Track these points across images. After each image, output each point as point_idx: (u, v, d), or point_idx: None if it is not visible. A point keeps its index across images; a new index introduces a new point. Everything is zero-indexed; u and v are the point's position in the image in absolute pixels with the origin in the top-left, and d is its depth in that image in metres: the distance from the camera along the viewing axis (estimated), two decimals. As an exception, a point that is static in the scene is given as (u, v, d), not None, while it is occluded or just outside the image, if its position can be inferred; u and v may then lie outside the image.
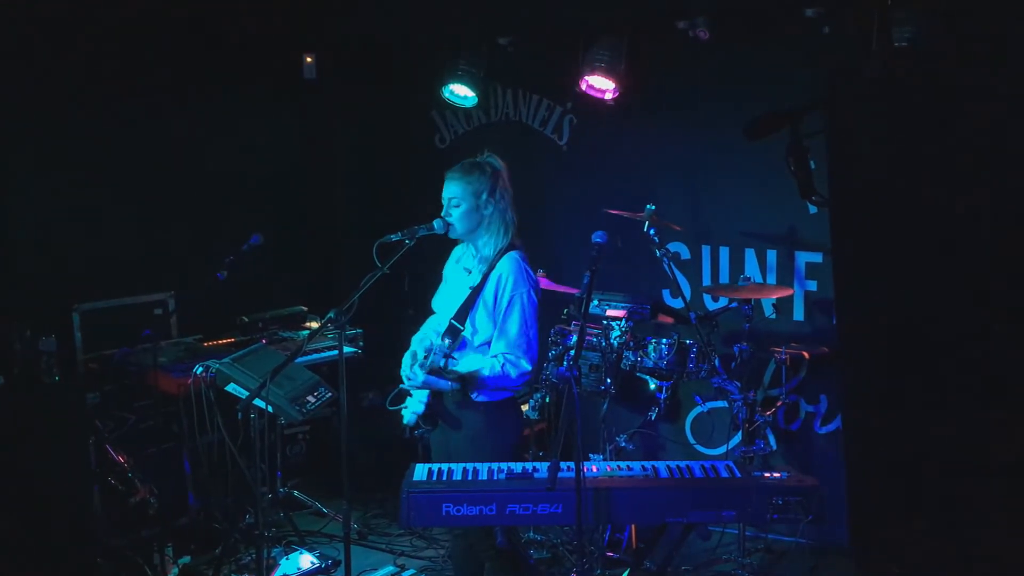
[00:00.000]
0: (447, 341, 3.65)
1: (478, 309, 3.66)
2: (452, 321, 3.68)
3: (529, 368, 3.63)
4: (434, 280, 4.01)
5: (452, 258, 3.94)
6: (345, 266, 6.58)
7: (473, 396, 3.65)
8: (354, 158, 6.82)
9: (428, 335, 3.85)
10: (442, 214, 3.71)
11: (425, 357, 3.60)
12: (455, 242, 3.88)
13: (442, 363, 3.57)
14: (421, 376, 3.59)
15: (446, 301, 3.83)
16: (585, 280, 3.47)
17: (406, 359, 3.76)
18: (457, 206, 3.68)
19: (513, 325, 3.61)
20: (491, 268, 3.67)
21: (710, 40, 5.08)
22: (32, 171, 5.07)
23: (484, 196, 3.67)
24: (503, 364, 3.59)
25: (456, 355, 3.66)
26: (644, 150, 5.64)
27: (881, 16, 4.50)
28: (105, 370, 5.03)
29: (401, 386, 3.79)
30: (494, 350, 3.65)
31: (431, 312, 3.94)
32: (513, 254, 3.69)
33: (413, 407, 3.77)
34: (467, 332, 3.68)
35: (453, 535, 3.92)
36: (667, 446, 5.72)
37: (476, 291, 3.67)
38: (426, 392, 3.72)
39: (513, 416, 3.84)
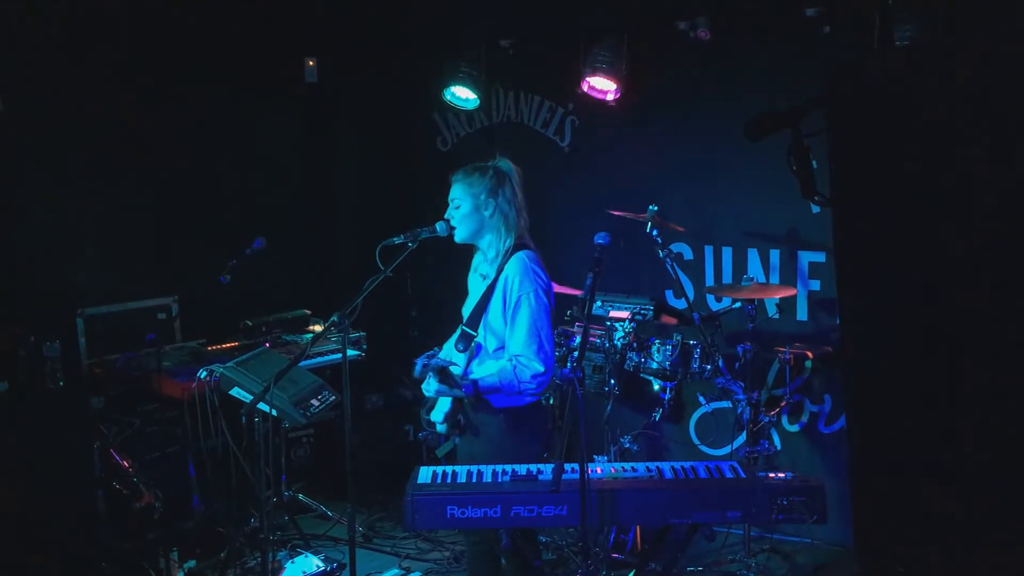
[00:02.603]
0: (460, 346, 3.65)
1: (489, 313, 3.66)
2: (464, 328, 3.68)
3: (542, 369, 3.56)
4: (435, 282, 4.02)
5: (471, 267, 3.92)
6: (348, 269, 6.58)
7: (493, 402, 3.63)
8: (356, 161, 6.83)
9: (449, 347, 3.86)
10: (446, 215, 3.72)
11: (436, 367, 3.58)
12: (458, 246, 3.87)
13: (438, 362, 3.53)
14: (434, 386, 3.59)
15: (468, 310, 3.83)
16: (588, 281, 3.46)
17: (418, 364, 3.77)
18: (458, 207, 3.70)
19: (521, 326, 3.58)
20: (499, 272, 3.66)
21: (711, 40, 5.09)
22: (35, 176, 5.08)
23: (483, 197, 3.67)
24: (514, 367, 3.56)
25: (475, 362, 3.68)
26: (646, 151, 5.64)
27: (882, 16, 4.51)
28: (109, 375, 5.03)
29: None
30: (506, 353, 3.63)
31: (436, 315, 3.95)
32: (520, 254, 3.66)
33: (435, 416, 3.79)
34: (480, 338, 3.67)
35: (470, 541, 3.91)
36: (671, 447, 5.72)
37: (486, 296, 3.67)
38: (448, 402, 3.73)
39: (536, 422, 3.77)
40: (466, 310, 3.86)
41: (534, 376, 3.55)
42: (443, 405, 3.80)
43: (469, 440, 3.73)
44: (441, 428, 3.81)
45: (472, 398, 3.62)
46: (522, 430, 3.68)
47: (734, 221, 5.46)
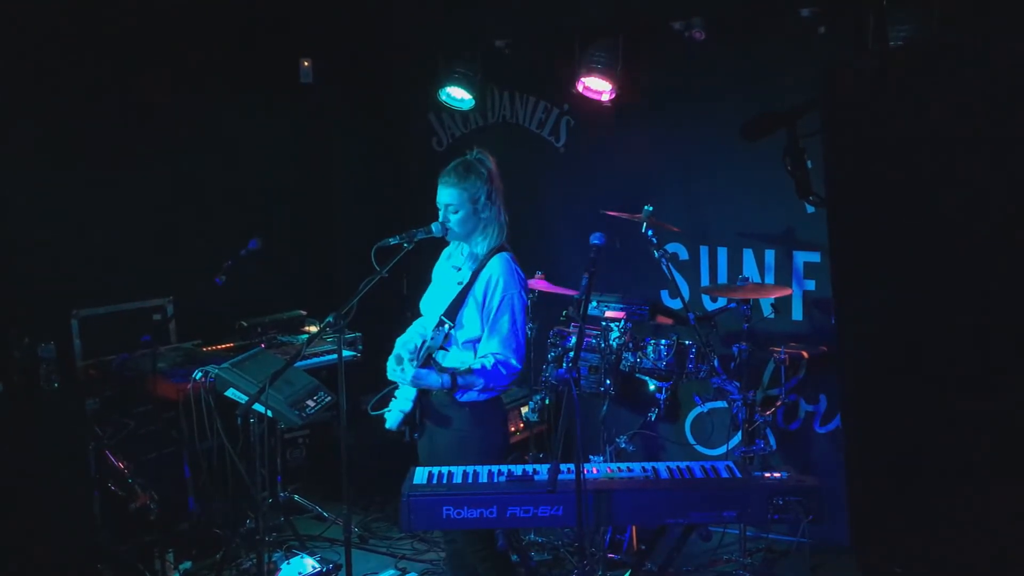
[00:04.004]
0: (438, 335, 3.66)
1: (467, 307, 3.66)
2: (442, 317, 3.68)
3: (519, 367, 3.67)
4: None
5: (442, 257, 3.94)
6: (344, 270, 6.58)
7: (458, 396, 3.65)
8: (352, 161, 6.82)
9: (413, 338, 3.80)
10: (440, 219, 3.71)
11: (417, 350, 3.61)
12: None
13: (436, 343, 3.58)
14: (411, 372, 3.59)
15: (434, 301, 3.82)
16: (583, 282, 3.47)
17: (390, 362, 3.72)
18: (455, 212, 3.67)
19: (504, 326, 3.62)
20: (481, 267, 3.68)
21: (706, 41, 5.09)
22: (30, 176, 5.06)
23: (482, 200, 3.67)
24: (494, 363, 3.60)
25: (442, 352, 3.69)
26: (641, 151, 5.65)
27: (877, 15, 4.51)
28: (104, 376, 5.02)
29: (392, 392, 3.78)
30: (484, 350, 3.65)
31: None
32: (504, 255, 3.70)
33: (400, 405, 3.73)
34: (454, 329, 3.67)
35: (446, 540, 3.93)
36: (667, 447, 5.73)
37: (466, 289, 3.67)
38: (413, 392, 3.71)
39: (499, 415, 3.84)
40: (427, 301, 3.84)
41: (511, 373, 3.65)
42: (405, 396, 3.75)
43: (431, 434, 3.74)
44: (394, 420, 3.75)
45: (447, 390, 3.62)
46: (486, 423, 3.73)
47: (729, 221, 5.47)
